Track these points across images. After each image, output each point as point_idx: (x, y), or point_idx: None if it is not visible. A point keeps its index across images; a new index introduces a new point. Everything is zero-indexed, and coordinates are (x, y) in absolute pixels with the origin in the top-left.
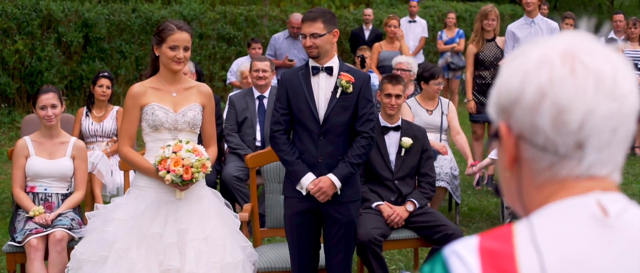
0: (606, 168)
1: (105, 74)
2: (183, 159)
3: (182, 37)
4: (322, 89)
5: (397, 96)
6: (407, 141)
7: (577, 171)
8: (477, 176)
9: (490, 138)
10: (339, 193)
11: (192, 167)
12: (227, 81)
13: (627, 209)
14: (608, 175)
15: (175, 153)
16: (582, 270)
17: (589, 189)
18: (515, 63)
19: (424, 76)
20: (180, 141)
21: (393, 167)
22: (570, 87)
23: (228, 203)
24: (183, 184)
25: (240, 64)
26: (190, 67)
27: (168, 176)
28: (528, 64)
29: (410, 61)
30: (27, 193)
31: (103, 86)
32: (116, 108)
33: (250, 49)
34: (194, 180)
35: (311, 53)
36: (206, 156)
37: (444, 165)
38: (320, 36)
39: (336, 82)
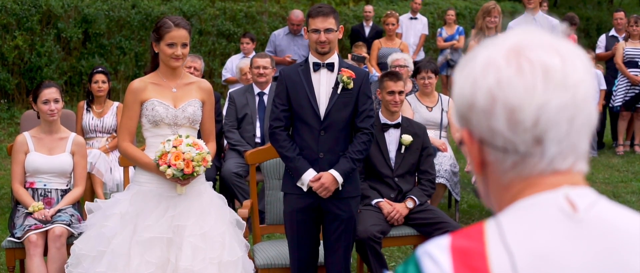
0: (568, 159)
1: (100, 69)
2: (184, 153)
3: (179, 34)
4: (323, 85)
5: (400, 93)
6: (407, 138)
7: (540, 167)
8: None
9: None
10: (340, 188)
11: (193, 161)
12: (222, 78)
13: (596, 203)
14: (571, 166)
15: (175, 147)
16: (552, 264)
17: (557, 184)
18: (465, 70)
19: (414, 72)
20: (180, 136)
21: (393, 164)
22: (519, 86)
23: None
24: (184, 178)
25: (234, 61)
26: (201, 66)
27: (169, 171)
28: (475, 69)
29: (405, 57)
30: (27, 188)
31: (98, 82)
32: (116, 103)
33: (240, 44)
34: (195, 174)
35: (323, 49)
36: (206, 150)
37: (444, 162)
38: (334, 31)
39: (337, 78)
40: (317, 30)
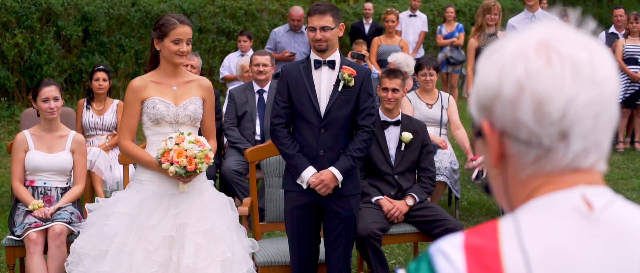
0: (591, 157)
1: (101, 67)
2: (186, 150)
3: (184, 31)
4: (324, 82)
5: (395, 90)
6: (407, 135)
7: (563, 163)
8: (477, 170)
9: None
10: (340, 186)
11: (195, 158)
12: (220, 76)
13: (612, 202)
14: (593, 165)
15: (177, 144)
16: (567, 263)
17: (574, 183)
18: (491, 59)
19: (416, 69)
20: (182, 133)
21: (393, 162)
22: (548, 78)
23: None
24: (187, 175)
25: (232, 59)
26: (198, 63)
27: (172, 168)
28: (503, 59)
29: (400, 60)
30: (27, 186)
31: (99, 80)
32: (116, 101)
33: (237, 42)
34: (198, 171)
35: (320, 46)
36: (209, 147)
37: (444, 160)
38: (331, 29)
39: (338, 75)
40: (313, 28)
